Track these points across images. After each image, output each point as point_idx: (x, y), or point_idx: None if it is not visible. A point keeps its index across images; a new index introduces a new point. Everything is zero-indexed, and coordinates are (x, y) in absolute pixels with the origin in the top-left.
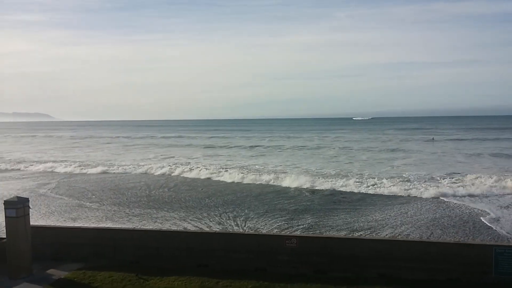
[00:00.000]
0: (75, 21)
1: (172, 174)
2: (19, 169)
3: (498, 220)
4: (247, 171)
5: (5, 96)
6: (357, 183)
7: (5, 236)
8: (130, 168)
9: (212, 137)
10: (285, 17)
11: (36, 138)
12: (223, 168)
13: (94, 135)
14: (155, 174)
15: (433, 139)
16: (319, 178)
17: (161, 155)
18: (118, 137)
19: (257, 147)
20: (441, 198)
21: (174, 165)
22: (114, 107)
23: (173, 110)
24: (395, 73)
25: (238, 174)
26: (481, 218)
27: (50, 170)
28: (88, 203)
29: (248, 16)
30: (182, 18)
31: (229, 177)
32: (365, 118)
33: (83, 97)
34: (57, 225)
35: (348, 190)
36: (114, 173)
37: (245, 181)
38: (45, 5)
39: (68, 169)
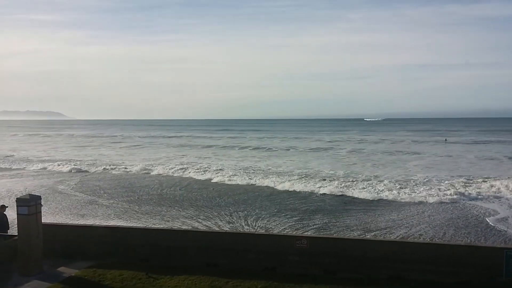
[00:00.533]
0: (89, 21)
1: (183, 174)
2: (32, 167)
3: (506, 219)
4: (261, 173)
5: (19, 94)
6: (366, 189)
7: (16, 234)
8: (140, 167)
9: (222, 137)
10: (299, 19)
11: (50, 136)
12: (234, 170)
13: (107, 134)
14: (166, 174)
15: (445, 140)
16: (330, 180)
17: (173, 155)
18: (130, 136)
19: (268, 148)
20: (456, 200)
21: (184, 165)
22: (126, 106)
23: (186, 109)
24: (408, 75)
25: (248, 176)
26: (493, 218)
27: (61, 168)
28: (101, 200)
29: (262, 17)
30: (195, 19)
31: (240, 179)
32: (377, 119)
33: (95, 96)
34: (68, 223)
35: (359, 197)
36: (126, 172)
37: (253, 182)
38: (59, 4)
39: (81, 167)
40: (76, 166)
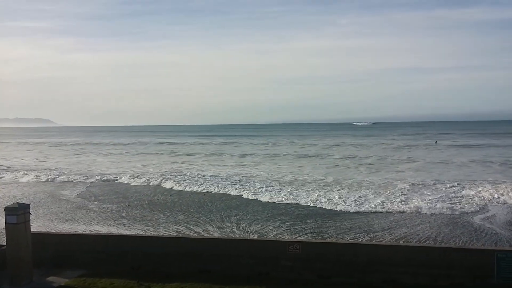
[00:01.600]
0: (80, 28)
1: (173, 183)
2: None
3: (497, 221)
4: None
5: (8, 102)
6: (357, 204)
7: (5, 243)
8: (127, 177)
9: (214, 142)
10: (290, 24)
11: (39, 144)
12: (226, 177)
13: (96, 141)
14: (156, 184)
15: (436, 142)
16: (324, 188)
17: (163, 161)
18: (120, 143)
19: (264, 154)
20: (448, 202)
21: (174, 173)
22: (117, 112)
23: (179, 115)
24: (399, 79)
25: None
26: (484, 219)
27: (47, 177)
28: (91, 206)
29: (254, 22)
30: (188, 25)
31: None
32: (366, 123)
33: (86, 102)
34: (58, 231)
35: (346, 210)
36: (117, 182)
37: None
38: (50, 12)
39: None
40: (61, 175)
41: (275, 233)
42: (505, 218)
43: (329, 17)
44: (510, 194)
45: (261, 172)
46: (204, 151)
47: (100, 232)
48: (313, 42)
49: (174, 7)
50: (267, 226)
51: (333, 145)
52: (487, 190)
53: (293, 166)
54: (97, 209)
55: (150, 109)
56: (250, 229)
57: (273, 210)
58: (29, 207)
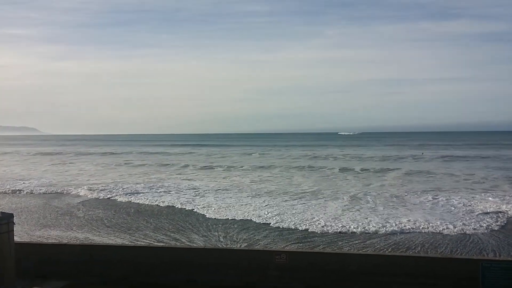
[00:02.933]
0: (65, 36)
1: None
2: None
3: (480, 229)
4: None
5: None
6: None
7: None
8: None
9: (197, 153)
10: (277, 35)
11: (24, 154)
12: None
13: (83, 150)
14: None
15: (422, 154)
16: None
17: (152, 171)
18: (105, 153)
19: (251, 165)
20: (437, 211)
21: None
22: (103, 121)
23: (165, 124)
24: (384, 90)
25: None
26: (466, 227)
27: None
28: (76, 213)
29: (240, 32)
30: (174, 34)
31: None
32: (352, 133)
33: (72, 111)
34: (42, 241)
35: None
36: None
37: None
38: (35, 19)
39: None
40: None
41: (262, 242)
42: (490, 226)
43: (316, 29)
44: (494, 202)
45: (251, 183)
46: (191, 161)
47: (86, 242)
48: (300, 53)
49: (160, 16)
50: (255, 235)
51: (320, 155)
52: (473, 199)
53: (280, 177)
54: (82, 215)
55: (136, 118)
56: (238, 238)
57: (259, 218)
58: (13, 216)
